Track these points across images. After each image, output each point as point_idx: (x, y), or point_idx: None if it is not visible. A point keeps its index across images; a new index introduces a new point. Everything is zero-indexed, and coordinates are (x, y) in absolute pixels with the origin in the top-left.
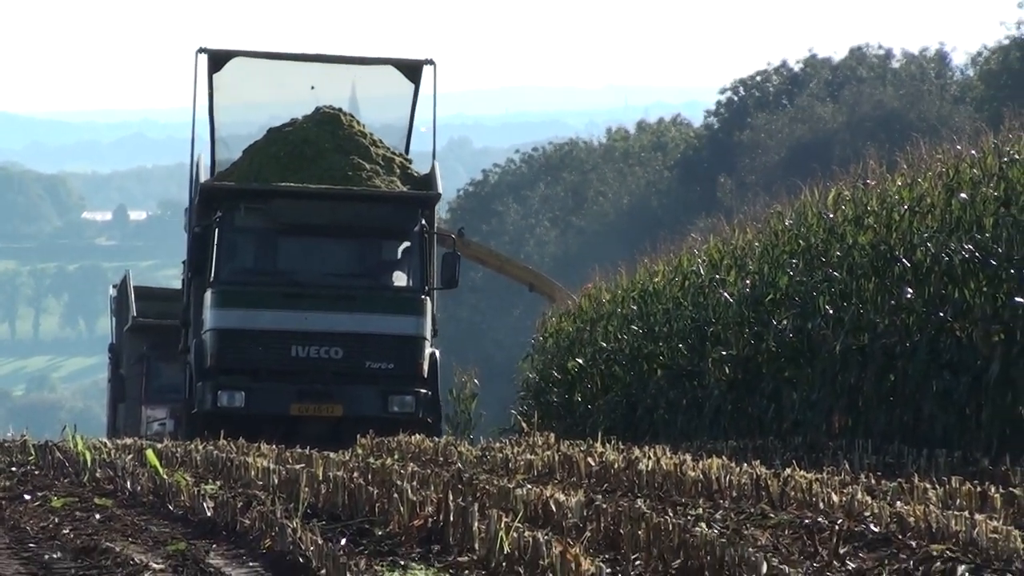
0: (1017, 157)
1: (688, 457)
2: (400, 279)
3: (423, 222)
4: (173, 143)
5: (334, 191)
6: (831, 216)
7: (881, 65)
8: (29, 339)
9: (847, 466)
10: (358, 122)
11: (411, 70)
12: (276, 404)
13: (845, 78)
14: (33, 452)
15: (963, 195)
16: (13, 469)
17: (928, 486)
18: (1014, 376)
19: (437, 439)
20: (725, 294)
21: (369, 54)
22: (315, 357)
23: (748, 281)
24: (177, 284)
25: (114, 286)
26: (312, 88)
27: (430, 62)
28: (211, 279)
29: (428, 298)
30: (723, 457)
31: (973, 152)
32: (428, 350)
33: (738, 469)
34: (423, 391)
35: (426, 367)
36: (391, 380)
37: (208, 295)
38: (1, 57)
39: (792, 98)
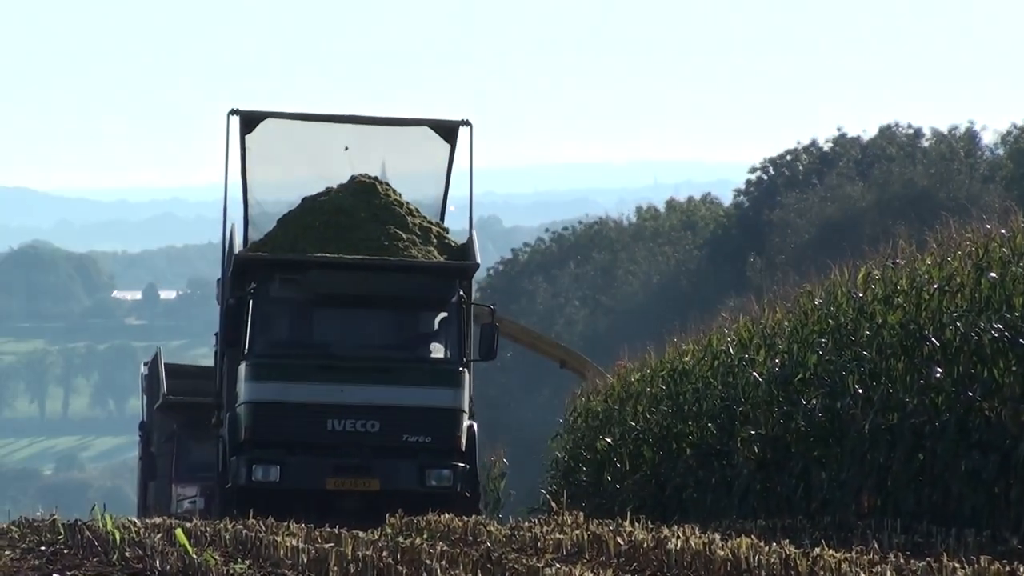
0: None
1: (717, 536)
2: (438, 351)
3: (461, 293)
4: (203, 222)
5: (370, 261)
6: (860, 295)
7: (910, 144)
8: (58, 418)
9: (876, 546)
10: (394, 191)
11: (447, 131)
12: (312, 479)
13: (875, 157)
14: (62, 531)
15: (993, 274)
16: (42, 548)
17: (957, 565)
18: None
19: (471, 517)
20: (755, 373)
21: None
22: (351, 431)
23: (777, 360)
24: (207, 362)
25: (145, 364)
26: (346, 149)
27: (466, 123)
28: (245, 351)
29: (466, 370)
30: (752, 536)
31: (1003, 231)
32: (466, 423)
33: (767, 548)
34: (461, 465)
35: (464, 440)
36: (429, 454)
37: (242, 368)
38: (29, 135)
39: (822, 177)
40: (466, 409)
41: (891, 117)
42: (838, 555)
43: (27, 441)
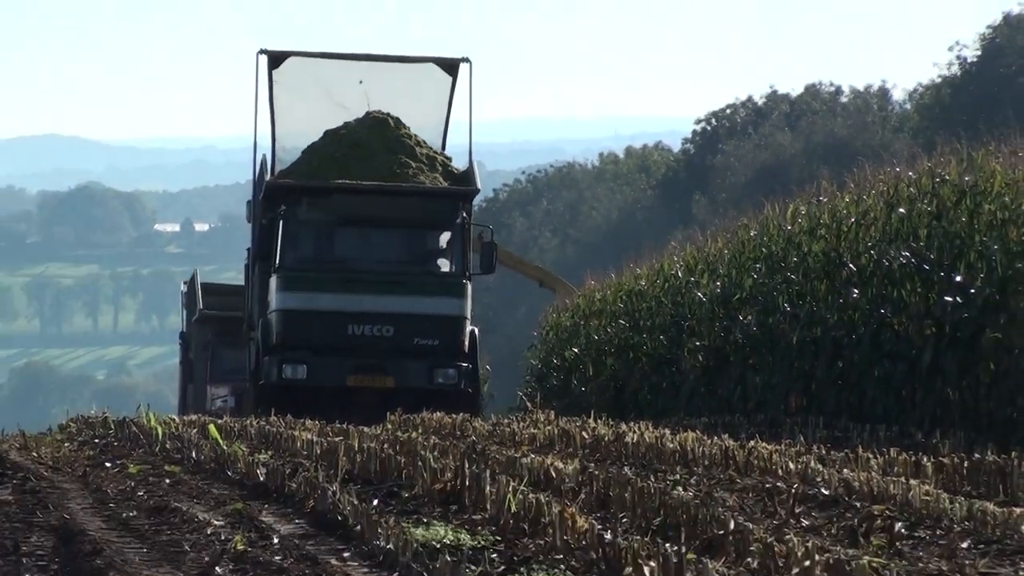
0: (947, 178)
1: (667, 431)
2: (444, 265)
3: (463, 215)
4: (231, 166)
5: (385, 187)
6: (789, 228)
7: (832, 100)
8: (109, 332)
9: (802, 439)
10: (404, 125)
11: (449, 67)
12: (335, 376)
13: (801, 111)
14: (113, 427)
15: (901, 210)
16: (96, 440)
17: (870, 456)
18: (943, 364)
19: (459, 415)
20: (699, 294)
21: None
22: (369, 335)
23: (718, 283)
24: (237, 282)
25: (184, 283)
26: (360, 82)
27: (466, 60)
28: (276, 266)
29: (468, 282)
30: (697, 431)
31: (910, 173)
32: (469, 328)
33: (709, 441)
34: (465, 364)
35: (467, 344)
36: (437, 355)
37: (273, 280)
38: (83, 89)
39: (757, 128)
40: (468, 316)
41: (816, 77)
42: (770, 447)
43: (84, 351)
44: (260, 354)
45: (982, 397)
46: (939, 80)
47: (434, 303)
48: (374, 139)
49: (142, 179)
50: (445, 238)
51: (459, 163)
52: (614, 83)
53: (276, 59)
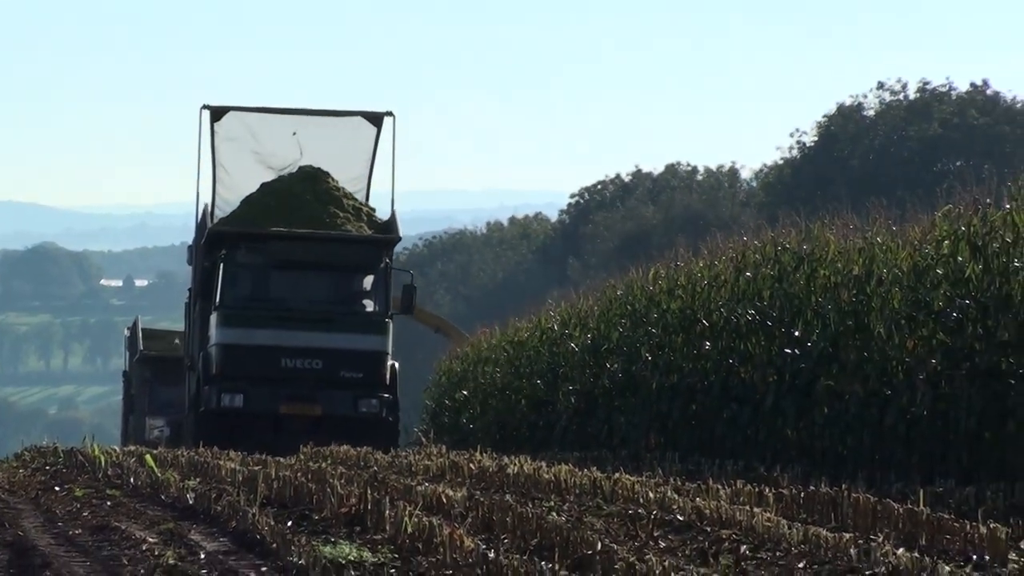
0: (788, 246)
1: (544, 464)
2: (368, 305)
3: (386, 260)
4: (168, 230)
5: (316, 234)
6: (651, 288)
7: (689, 177)
8: (60, 372)
9: (660, 472)
10: (333, 178)
11: (374, 119)
12: (269, 404)
13: (662, 187)
14: (62, 455)
15: (748, 274)
16: (47, 467)
17: (719, 487)
18: (783, 407)
19: (362, 448)
20: (572, 344)
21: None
22: (300, 367)
23: (589, 335)
24: (172, 329)
25: (127, 328)
26: (294, 134)
27: (390, 114)
28: (217, 304)
29: (390, 321)
30: (569, 464)
31: (756, 242)
32: (390, 363)
33: (580, 473)
34: (386, 395)
35: (388, 377)
36: (361, 387)
37: (214, 316)
38: (41, 159)
39: (623, 201)
40: (390, 352)
41: (675, 157)
42: (632, 478)
43: (37, 389)
44: (200, 384)
45: (816, 436)
46: (782, 162)
47: (359, 339)
48: (306, 191)
49: (91, 241)
50: (369, 281)
51: (382, 211)
52: (500, 160)
53: (217, 113)
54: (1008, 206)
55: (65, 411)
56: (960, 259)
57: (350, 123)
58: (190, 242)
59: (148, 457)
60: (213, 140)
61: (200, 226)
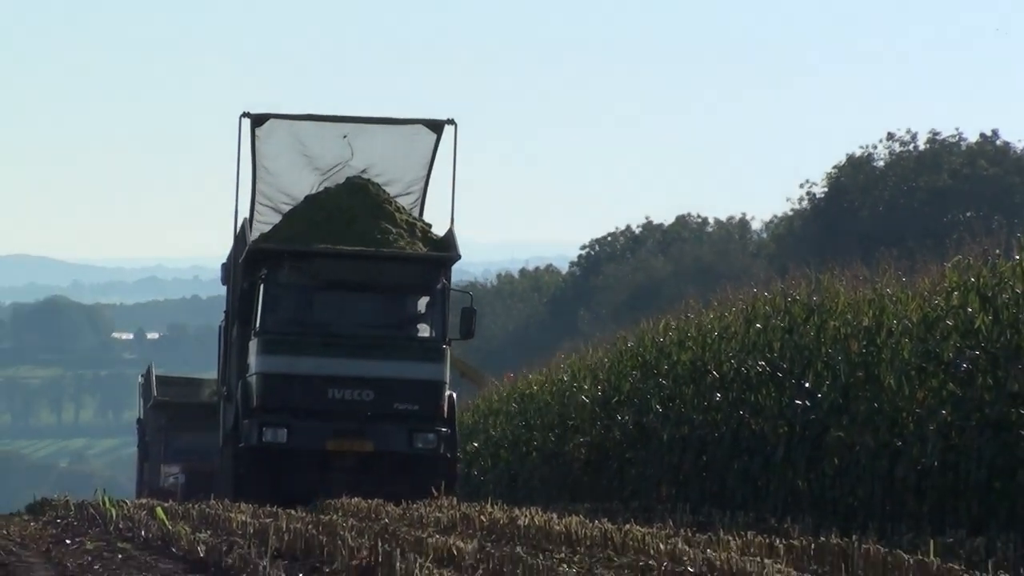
0: (798, 298)
1: (555, 516)
2: (424, 330)
3: (443, 280)
4: (178, 283)
5: (367, 252)
6: (661, 339)
7: (699, 229)
8: (71, 425)
9: (671, 523)
10: (384, 191)
11: (435, 126)
12: (314, 440)
13: (672, 239)
14: (73, 508)
15: (758, 325)
16: (58, 520)
17: (730, 538)
18: (793, 458)
19: (374, 500)
20: (583, 396)
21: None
22: (349, 399)
23: (600, 387)
24: (185, 375)
25: (141, 375)
26: (344, 136)
27: (451, 121)
28: (257, 329)
29: (448, 347)
30: (580, 516)
31: (766, 294)
32: (447, 393)
33: (591, 525)
34: (444, 429)
35: (446, 409)
36: (416, 420)
37: (254, 343)
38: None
39: (634, 252)
40: (447, 381)
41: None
42: (643, 530)
43: (49, 441)
44: (239, 417)
45: (827, 487)
46: (791, 213)
47: (413, 368)
48: (355, 204)
49: (102, 294)
50: (425, 303)
51: (439, 226)
52: (511, 213)
53: (258, 120)
54: (1018, 257)
55: (77, 464)
56: (970, 310)
57: (406, 131)
58: (201, 294)
59: (159, 510)
60: (254, 144)
61: (238, 241)
